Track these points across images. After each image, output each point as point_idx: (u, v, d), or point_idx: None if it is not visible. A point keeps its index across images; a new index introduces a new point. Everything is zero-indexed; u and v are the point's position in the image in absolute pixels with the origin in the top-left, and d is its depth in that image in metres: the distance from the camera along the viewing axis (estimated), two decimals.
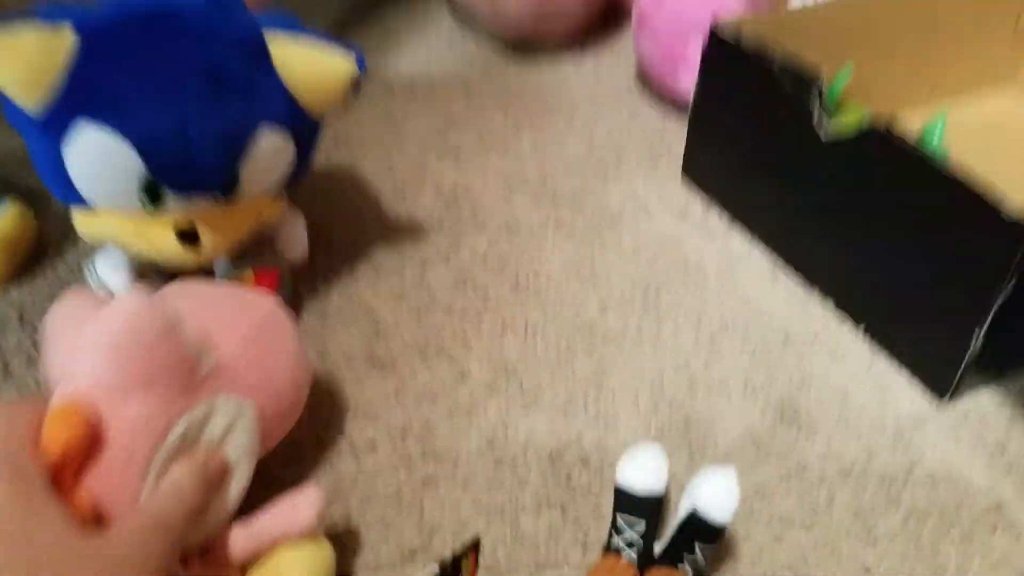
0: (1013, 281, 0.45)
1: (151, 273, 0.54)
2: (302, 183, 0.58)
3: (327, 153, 0.77)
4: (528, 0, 0.89)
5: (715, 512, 0.39)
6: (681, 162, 0.74)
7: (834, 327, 0.58)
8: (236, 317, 0.42)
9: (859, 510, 0.47)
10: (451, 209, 0.71)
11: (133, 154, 0.44)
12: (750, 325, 0.59)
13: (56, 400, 0.34)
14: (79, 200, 0.48)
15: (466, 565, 0.37)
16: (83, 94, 0.43)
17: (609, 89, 0.89)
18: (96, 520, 0.33)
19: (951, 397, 0.53)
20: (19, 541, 0.28)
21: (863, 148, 0.53)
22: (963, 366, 0.50)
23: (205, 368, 0.38)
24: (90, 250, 0.66)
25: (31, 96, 0.43)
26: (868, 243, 0.55)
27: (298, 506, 0.40)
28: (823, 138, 0.55)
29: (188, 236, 0.49)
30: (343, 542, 0.45)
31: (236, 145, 0.47)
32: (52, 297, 0.60)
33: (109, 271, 0.53)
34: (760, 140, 0.63)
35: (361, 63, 0.50)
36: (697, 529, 0.39)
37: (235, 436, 0.39)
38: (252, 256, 0.56)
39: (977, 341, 0.48)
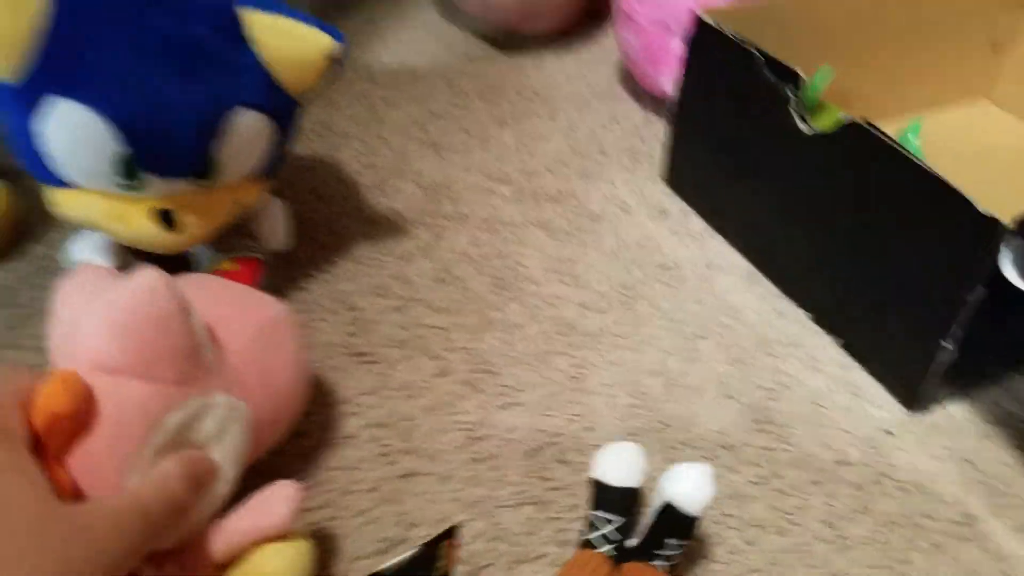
0: (981, 288, 0.46)
1: (130, 259, 0.53)
2: (282, 169, 0.57)
3: (308, 143, 0.77)
4: None
5: (688, 504, 0.39)
6: (661, 163, 0.74)
7: (809, 334, 0.59)
8: (244, 317, 0.41)
9: (830, 517, 0.48)
10: (432, 203, 0.71)
11: (108, 131, 0.44)
12: (726, 329, 0.59)
13: (53, 373, 0.34)
14: (55, 179, 0.47)
15: (443, 549, 0.37)
16: (57, 67, 0.42)
17: (592, 86, 0.90)
18: (74, 498, 0.33)
19: (921, 408, 0.54)
20: None
21: (841, 143, 0.53)
22: (929, 376, 0.51)
23: (207, 361, 0.37)
24: (74, 227, 0.65)
25: (4, 64, 0.42)
26: (838, 246, 0.56)
27: (272, 503, 0.39)
28: (804, 131, 0.55)
29: (165, 218, 0.48)
30: (323, 533, 0.45)
31: (212, 123, 0.46)
32: (34, 278, 0.60)
33: (87, 254, 0.52)
34: (738, 136, 0.64)
35: (340, 38, 0.49)
36: (670, 522, 0.40)
37: (226, 439, 0.38)
38: (233, 244, 0.56)
39: (944, 352, 0.50)
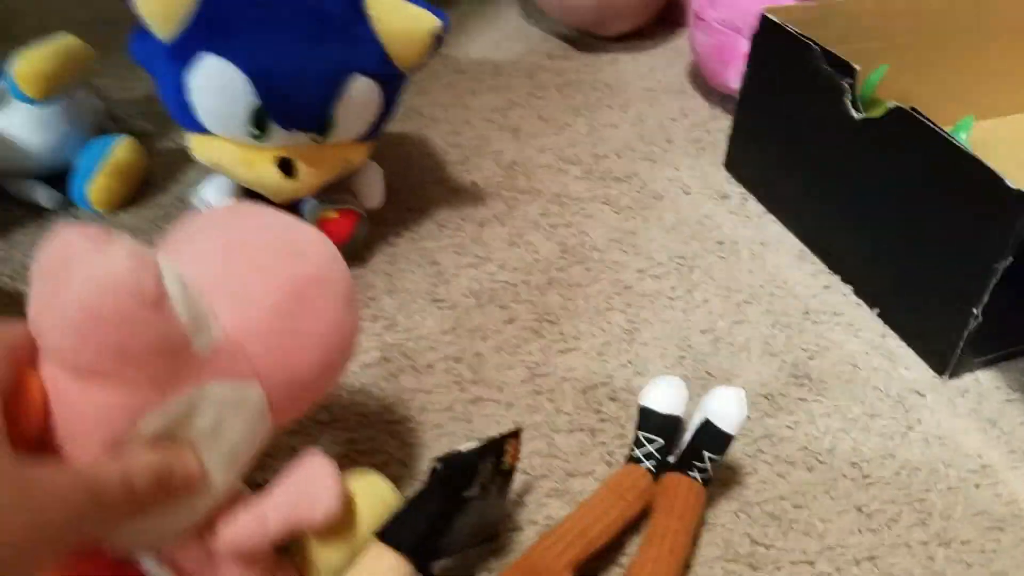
0: (1010, 258, 0.50)
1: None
2: (381, 138, 0.65)
3: (400, 124, 0.85)
4: None
5: (724, 421, 0.45)
6: (724, 153, 0.80)
7: (852, 306, 0.64)
8: (271, 277, 0.35)
9: (857, 459, 0.52)
10: (508, 178, 0.78)
11: (247, 85, 0.52)
12: (775, 298, 0.64)
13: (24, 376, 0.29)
14: (197, 126, 0.55)
15: (508, 446, 0.43)
16: (208, 28, 0.51)
17: (662, 82, 0.95)
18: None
19: (951, 374, 0.58)
20: None
21: (887, 127, 0.58)
22: (961, 344, 0.55)
23: (199, 349, 0.31)
24: (191, 182, 0.74)
25: (165, 26, 0.51)
26: (883, 226, 0.61)
27: (315, 495, 0.36)
28: (854, 116, 0.60)
29: (286, 166, 0.56)
30: (404, 440, 0.52)
31: (334, 86, 0.54)
32: (156, 223, 0.69)
33: (214, 196, 0.61)
34: (796, 126, 0.69)
35: (444, 18, 0.57)
36: (707, 436, 0.45)
37: (224, 433, 0.33)
38: (335, 198, 0.64)
39: (975, 320, 0.54)
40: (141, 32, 0.57)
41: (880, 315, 0.63)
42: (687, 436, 0.47)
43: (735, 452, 0.52)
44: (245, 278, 0.34)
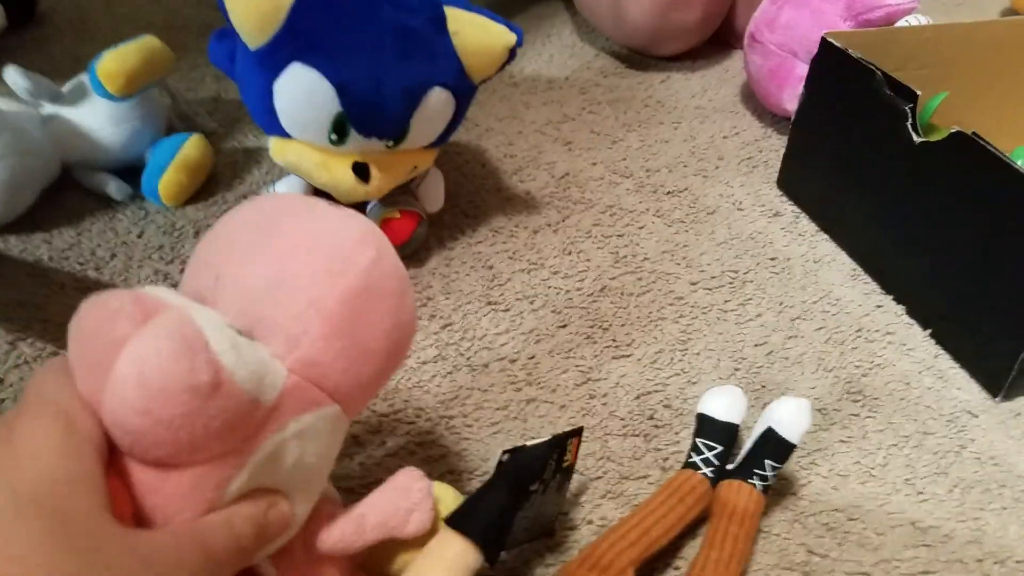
0: None
1: None
2: (444, 146, 0.67)
3: (457, 134, 0.86)
4: (649, 14, 0.97)
5: (788, 430, 0.46)
6: (778, 172, 0.80)
7: (904, 326, 0.64)
8: (330, 284, 0.33)
9: (910, 475, 0.52)
10: (561, 189, 0.79)
11: (333, 94, 0.54)
12: (827, 315, 0.65)
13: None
14: (278, 129, 0.57)
15: (570, 445, 0.44)
16: (298, 39, 0.53)
17: (714, 101, 0.96)
18: (134, 516, 0.29)
19: (1004, 397, 0.58)
20: (52, 504, 0.25)
21: (947, 152, 0.58)
22: (1016, 367, 0.56)
23: (270, 399, 0.30)
24: (255, 180, 0.77)
25: (258, 37, 0.53)
26: (940, 249, 0.61)
27: (410, 509, 0.38)
28: (914, 139, 0.61)
29: (362, 171, 0.58)
30: (460, 436, 0.53)
31: (414, 98, 0.56)
32: (219, 217, 0.71)
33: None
34: (853, 147, 0.69)
35: (519, 33, 0.58)
36: (770, 445, 0.46)
37: (311, 451, 0.33)
38: (397, 200, 0.65)
39: None
40: (220, 39, 0.59)
41: (932, 336, 0.63)
42: (747, 444, 0.48)
43: (789, 463, 0.52)
44: (293, 306, 0.32)
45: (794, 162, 0.78)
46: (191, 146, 0.72)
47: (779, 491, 0.51)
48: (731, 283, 0.68)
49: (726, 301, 0.66)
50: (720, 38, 1.08)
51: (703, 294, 0.67)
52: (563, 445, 0.44)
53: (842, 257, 0.71)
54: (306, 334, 0.32)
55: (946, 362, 0.61)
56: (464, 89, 0.60)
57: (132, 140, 0.71)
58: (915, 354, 0.62)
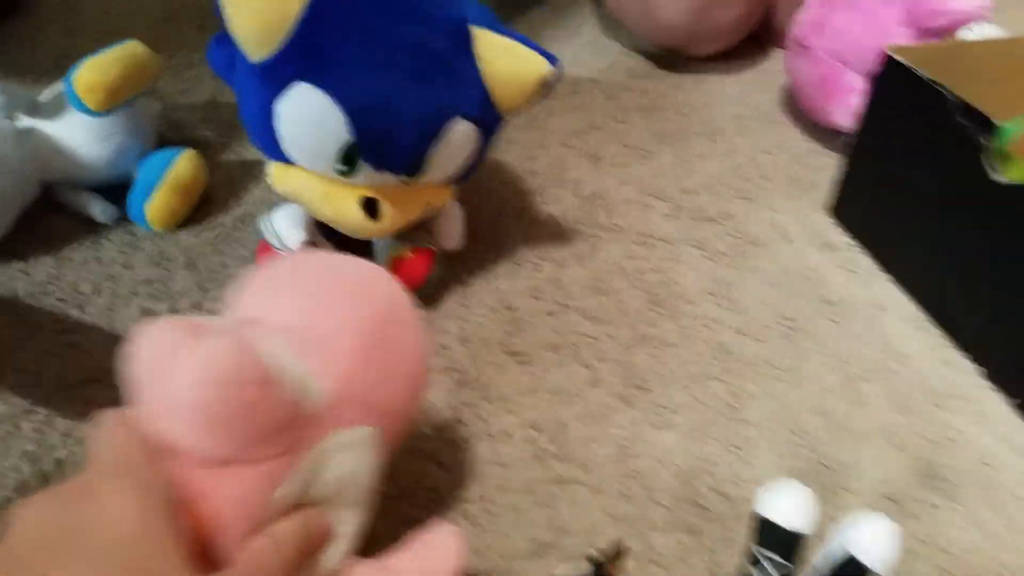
0: None
1: (320, 236, 0.56)
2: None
3: None
4: (685, 11, 0.88)
5: (875, 561, 0.38)
6: (827, 194, 0.72)
7: (979, 387, 0.57)
8: (355, 312, 0.36)
9: None
10: (588, 213, 0.71)
11: (342, 119, 0.46)
12: (894, 375, 0.57)
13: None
14: (279, 155, 0.50)
15: (609, 568, 0.37)
16: (305, 55, 0.45)
17: (753, 108, 0.88)
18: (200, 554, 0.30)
19: None
20: (139, 565, 0.27)
21: None
22: None
23: (311, 405, 0.32)
24: (254, 200, 0.69)
25: (260, 49, 0.45)
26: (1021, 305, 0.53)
27: (442, 566, 0.37)
28: (999, 181, 0.53)
29: (371, 207, 0.50)
30: (477, 522, 0.46)
31: (434, 128, 0.48)
32: (217, 244, 0.64)
33: (286, 226, 0.55)
34: (919, 177, 0.61)
35: (555, 62, 0.50)
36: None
37: (352, 470, 0.35)
38: (411, 236, 0.58)
39: None
40: (220, 43, 0.51)
41: (1019, 406, 0.55)
42: (819, 563, 0.40)
43: None
44: (324, 330, 0.35)
45: (850, 189, 0.70)
46: (183, 163, 0.64)
47: None
48: (782, 332, 0.60)
49: (777, 355, 0.58)
50: (757, 34, 0.99)
51: (752, 345, 0.59)
52: (603, 573, 0.37)
53: (904, 300, 0.64)
54: (338, 356, 0.34)
55: None
56: (489, 121, 0.52)
57: (118, 156, 0.64)
58: (996, 426, 0.54)
